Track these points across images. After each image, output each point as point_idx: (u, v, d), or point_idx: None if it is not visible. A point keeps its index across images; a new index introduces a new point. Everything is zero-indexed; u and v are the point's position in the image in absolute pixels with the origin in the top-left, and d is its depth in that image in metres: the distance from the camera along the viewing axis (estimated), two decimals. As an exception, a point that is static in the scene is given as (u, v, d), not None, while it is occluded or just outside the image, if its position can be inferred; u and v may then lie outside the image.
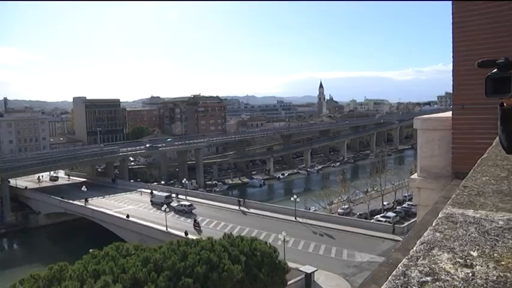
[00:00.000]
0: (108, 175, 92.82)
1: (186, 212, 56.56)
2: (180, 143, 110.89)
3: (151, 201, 62.98)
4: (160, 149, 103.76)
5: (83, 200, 63.98)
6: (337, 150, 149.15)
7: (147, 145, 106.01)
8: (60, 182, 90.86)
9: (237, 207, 58.46)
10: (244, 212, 56.80)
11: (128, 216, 53.25)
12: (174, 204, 58.83)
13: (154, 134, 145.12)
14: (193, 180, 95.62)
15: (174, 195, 64.88)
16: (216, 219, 53.02)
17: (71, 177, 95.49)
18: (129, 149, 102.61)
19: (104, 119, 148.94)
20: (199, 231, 47.53)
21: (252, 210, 56.84)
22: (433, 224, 2.63)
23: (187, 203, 58.88)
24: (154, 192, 65.85)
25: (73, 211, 65.04)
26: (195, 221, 51.20)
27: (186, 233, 43.85)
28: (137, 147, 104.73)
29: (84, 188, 66.54)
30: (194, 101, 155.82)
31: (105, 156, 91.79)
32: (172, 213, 55.26)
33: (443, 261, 1.28)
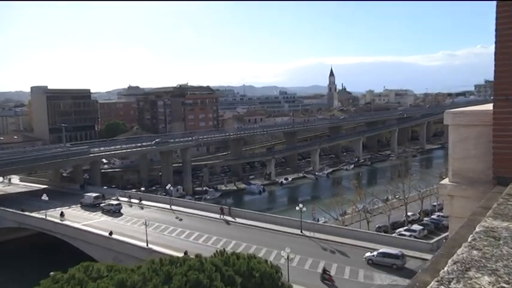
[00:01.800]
0: (76, 180, 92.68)
1: (114, 211, 65.42)
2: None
3: (80, 202, 71.31)
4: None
5: (43, 212, 63.02)
6: (351, 150, 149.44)
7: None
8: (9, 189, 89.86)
9: (229, 219, 58.85)
10: (227, 222, 57.69)
11: (110, 233, 52.99)
12: (102, 204, 68.57)
13: (133, 130, 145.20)
14: (179, 187, 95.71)
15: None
16: (207, 232, 53.06)
17: (12, 182, 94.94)
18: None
19: (71, 113, 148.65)
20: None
21: (244, 221, 57.10)
22: (469, 240, 2.58)
23: (115, 202, 68.20)
24: (85, 194, 74.00)
25: (29, 225, 64.42)
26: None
27: (185, 253, 43.10)
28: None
29: (44, 197, 66.02)
30: (180, 92, 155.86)
31: (73, 158, 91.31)
32: (100, 213, 65.51)
33: (484, 285, 1.19)
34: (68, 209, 67.53)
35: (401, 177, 73.80)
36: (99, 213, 66.00)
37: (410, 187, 70.90)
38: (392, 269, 40.25)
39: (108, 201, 70.38)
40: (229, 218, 59.06)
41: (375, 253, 42.23)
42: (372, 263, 41.58)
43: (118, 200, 71.97)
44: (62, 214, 62.89)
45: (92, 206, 69.20)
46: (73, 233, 56.92)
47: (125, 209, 68.17)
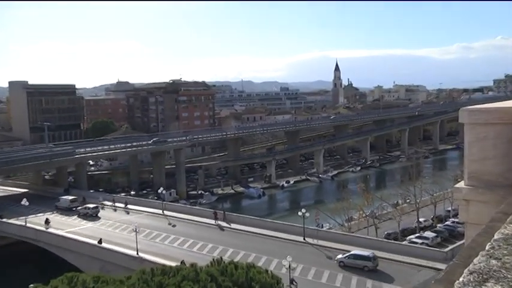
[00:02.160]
0: (60, 184, 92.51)
1: (91, 215, 66.80)
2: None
3: (55, 205, 72.34)
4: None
5: (23, 219, 62.36)
6: (357, 150, 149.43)
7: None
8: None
9: (224, 224, 59.05)
10: (221, 228, 58.06)
11: (100, 241, 52.86)
12: (79, 208, 69.87)
13: (122, 129, 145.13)
14: (172, 190, 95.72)
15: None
16: (202, 239, 53.06)
17: None
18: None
19: (54, 110, 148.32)
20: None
21: (242, 227, 57.30)
22: (487, 248, 2.57)
23: (92, 206, 69.28)
24: (60, 197, 75.15)
25: (7, 233, 63.95)
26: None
27: (182, 262, 43.08)
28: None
29: (25, 202, 65.73)
30: (174, 88, 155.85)
31: (56, 160, 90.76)
32: (76, 217, 66.85)
33: None
34: (51, 215, 67.35)
35: (412, 180, 73.77)
36: (84, 218, 65.99)
37: (422, 191, 70.92)
38: (363, 271, 41.59)
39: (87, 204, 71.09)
40: (224, 224, 59.21)
41: (347, 255, 43.81)
42: (344, 265, 43.07)
43: (102, 204, 72.54)
44: (46, 221, 61.93)
45: (67, 210, 70.15)
46: (56, 241, 56.78)
47: (109, 214, 68.42)
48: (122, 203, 73.33)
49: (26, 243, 61.27)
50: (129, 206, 71.68)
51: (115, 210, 71.14)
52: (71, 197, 73.82)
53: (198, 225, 60.17)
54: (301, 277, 40.87)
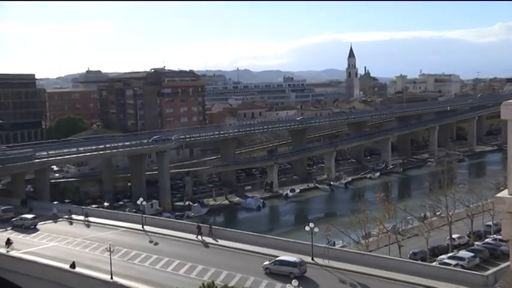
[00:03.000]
0: (15, 194, 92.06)
1: (28, 227, 68.77)
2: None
3: None
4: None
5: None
6: (376, 153, 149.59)
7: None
8: None
9: (210, 241, 59.14)
10: (206, 245, 58.40)
11: (73, 265, 52.28)
12: (14, 219, 71.55)
13: (93, 128, 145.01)
14: (154, 201, 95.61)
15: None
16: (190, 260, 53.00)
17: None
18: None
19: (8, 105, 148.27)
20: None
21: (235, 245, 57.20)
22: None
23: (30, 216, 71.35)
24: None
25: None
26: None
27: None
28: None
29: None
30: (156, 79, 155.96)
31: (11, 165, 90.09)
32: (10, 230, 68.13)
33: None
34: (4, 233, 66.82)
35: (443, 188, 73.75)
36: (47, 236, 65.69)
37: (455, 201, 70.85)
38: (290, 278, 42.41)
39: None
40: (209, 240, 59.10)
41: (273, 261, 48.07)
42: (270, 273, 46.25)
43: (55, 214, 73.79)
44: (8, 242, 59.66)
45: None
46: (9, 264, 56.33)
47: (75, 230, 68.34)
48: (81, 214, 73.79)
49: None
50: (104, 221, 71.27)
51: (71, 223, 71.87)
52: (3, 207, 75.79)
53: (185, 243, 60.10)
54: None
